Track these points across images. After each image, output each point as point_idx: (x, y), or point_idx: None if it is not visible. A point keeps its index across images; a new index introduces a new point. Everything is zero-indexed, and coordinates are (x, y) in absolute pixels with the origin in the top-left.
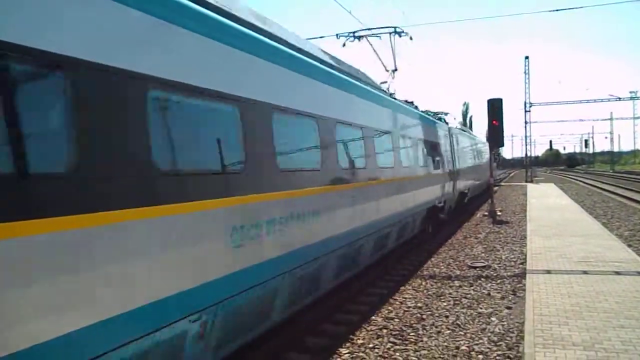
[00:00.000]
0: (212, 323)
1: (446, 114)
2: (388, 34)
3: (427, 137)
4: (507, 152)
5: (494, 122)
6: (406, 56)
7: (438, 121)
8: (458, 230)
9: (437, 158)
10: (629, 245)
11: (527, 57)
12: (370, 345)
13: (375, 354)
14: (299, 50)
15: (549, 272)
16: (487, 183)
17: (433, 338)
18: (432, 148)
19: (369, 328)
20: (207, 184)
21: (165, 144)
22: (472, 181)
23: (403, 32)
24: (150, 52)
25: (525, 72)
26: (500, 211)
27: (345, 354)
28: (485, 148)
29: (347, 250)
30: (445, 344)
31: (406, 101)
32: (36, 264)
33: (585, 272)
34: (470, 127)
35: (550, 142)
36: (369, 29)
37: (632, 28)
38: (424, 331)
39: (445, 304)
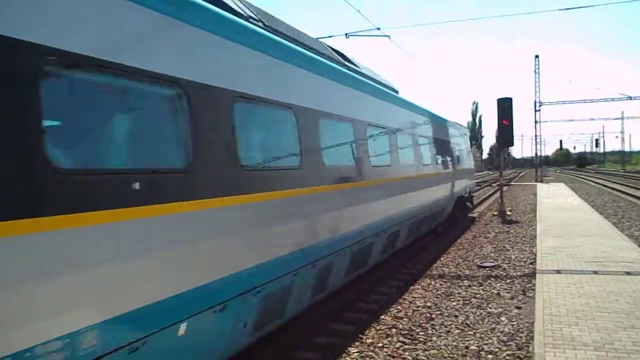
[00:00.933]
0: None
1: None
2: None
3: None
4: (517, 152)
5: (504, 121)
6: (416, 56)
7: None
8: (467, 229)
9: None
10: None
11: (537, 56)
12: (380, 345)
13: (385, 353)
14: None
15: (559, 272)
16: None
17: (442, 338)
18: None
19: (378, 327)
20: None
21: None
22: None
23: None
24: None
25: (535, 71)
26: (510, 211)
27: (354, 353)
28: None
29: None
30: (455, 343)
31: None
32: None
33: (595, 272)
34: (480, 127)
35: (561, 141)
36: None
37: None
38: (433, 331)
39: (454, 303)
